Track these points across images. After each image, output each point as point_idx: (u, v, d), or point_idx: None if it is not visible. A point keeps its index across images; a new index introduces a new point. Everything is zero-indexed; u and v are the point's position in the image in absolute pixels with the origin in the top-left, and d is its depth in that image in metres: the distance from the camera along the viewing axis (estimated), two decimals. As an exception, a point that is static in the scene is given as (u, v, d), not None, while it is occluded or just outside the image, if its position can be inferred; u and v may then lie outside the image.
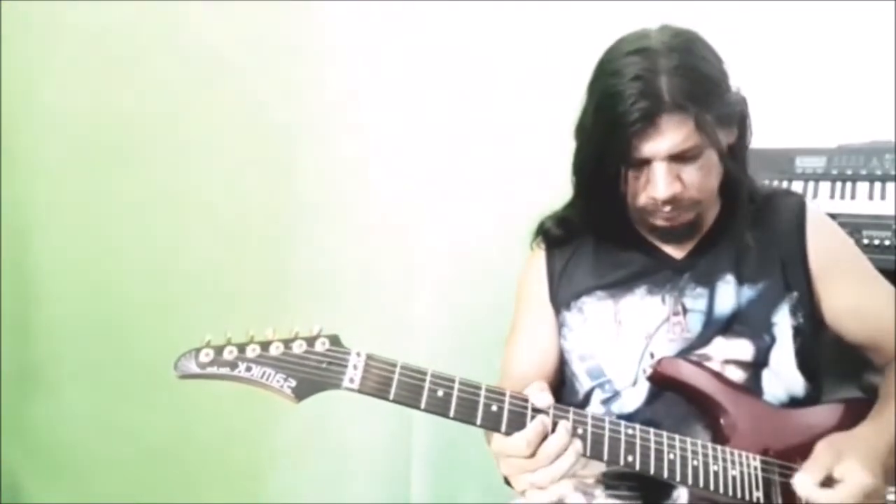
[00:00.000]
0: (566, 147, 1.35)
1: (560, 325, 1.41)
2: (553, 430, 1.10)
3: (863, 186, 1.88)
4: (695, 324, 1.35)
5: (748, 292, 1.36)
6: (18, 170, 1.87)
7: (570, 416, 1.15)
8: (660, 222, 1.32)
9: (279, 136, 1.96)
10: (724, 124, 1.28)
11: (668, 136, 1.22)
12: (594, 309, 1.38)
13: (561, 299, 1.41)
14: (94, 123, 1.87)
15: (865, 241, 1.71)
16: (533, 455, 1.08)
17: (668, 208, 1.28)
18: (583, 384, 1.39)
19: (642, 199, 1.29)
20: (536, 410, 1.11)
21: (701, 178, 1.27)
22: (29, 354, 1.95)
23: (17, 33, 1.82)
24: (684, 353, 1.34)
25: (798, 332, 1.35)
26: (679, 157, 1.24)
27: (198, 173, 1.92)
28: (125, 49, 1.86)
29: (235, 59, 1.90)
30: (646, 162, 1.25)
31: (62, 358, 1.95)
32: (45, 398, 1.97)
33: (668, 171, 1.24)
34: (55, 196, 1.89)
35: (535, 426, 1.09)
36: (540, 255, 1.46)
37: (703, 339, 1.34)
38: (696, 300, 1.36)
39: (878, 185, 1.87)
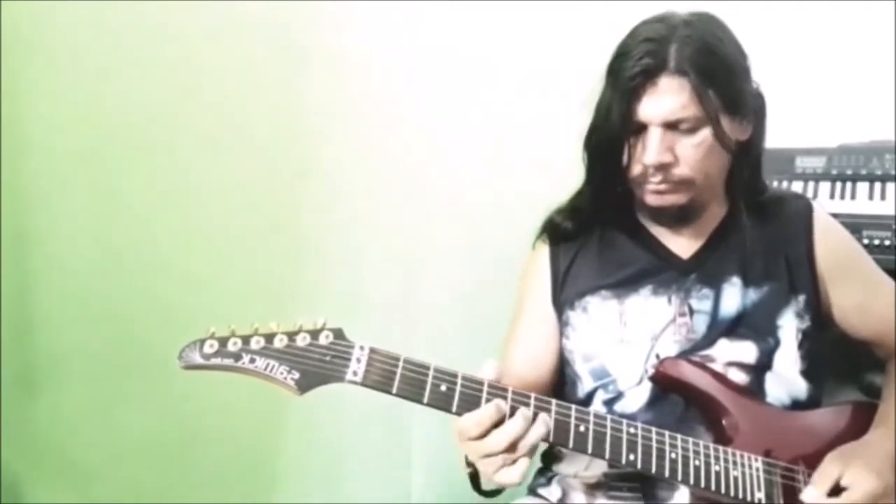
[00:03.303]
0: (575, 142, 1.36)
1: (563, 325, 1.40)
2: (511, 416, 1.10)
3: (863, 186, 1.88)
4: (700, 325, 1.35)
5: (753, 295, 1.36)
6: (19, 169, 1.86)
7: (572, 412, 1.15)
8: (649, 197, 1.32)
9: (283, 132, 1.95)
10: (733, 112, 1.29)
11: (666, 99, 1.24)
12: (598, 309, 1.38)
13: (564, 299, 1.41)
14: (94, 122, 1.87)
15: (865, 241, 1.71)
16: (483, 437, 1.08)
17: (657, 178, 1.29)
18: (585, 384, 1.38)
19: (636, 168, 1.30)
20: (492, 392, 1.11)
21: (696, 156, 1.27)
22: (29, 354, 1.94)
23: (17, 33, 1.81)
24: (687, 355, 1.33)
25: (805, 335, 1.36)
26: (675, 127, 1.26)
27: (199, 171, 1.92)
28: (127, 47, 1.85)
29: (241, 56, 1.89)
30: (643, 128, 1.27)
31: (62, 358, 1.95)
32: (46, 398, 1.96)
33: (662, 139, 1.25)
34: (56, 195, 1.89)
35: (488, 408, 1.09)
36: (543, 252, 1.45)
37: (708, 340, 1.34)
38: (701, 301, 1.36)
39: (878, 185, 1.87)
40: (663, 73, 1.24)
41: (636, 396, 1.34)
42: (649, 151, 1.26)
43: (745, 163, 1.36)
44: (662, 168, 1.27)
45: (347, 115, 1.98)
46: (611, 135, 1.29)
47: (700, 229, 1.40)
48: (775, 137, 1.70)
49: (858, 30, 2.03)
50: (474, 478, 1.21)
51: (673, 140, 1.26)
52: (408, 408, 1.95)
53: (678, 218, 1.37)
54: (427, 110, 2.02)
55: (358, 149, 2.00)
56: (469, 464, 1.19)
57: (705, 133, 1.26)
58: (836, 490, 1.23)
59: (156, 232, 1.93)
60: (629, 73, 1.25)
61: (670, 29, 1.26)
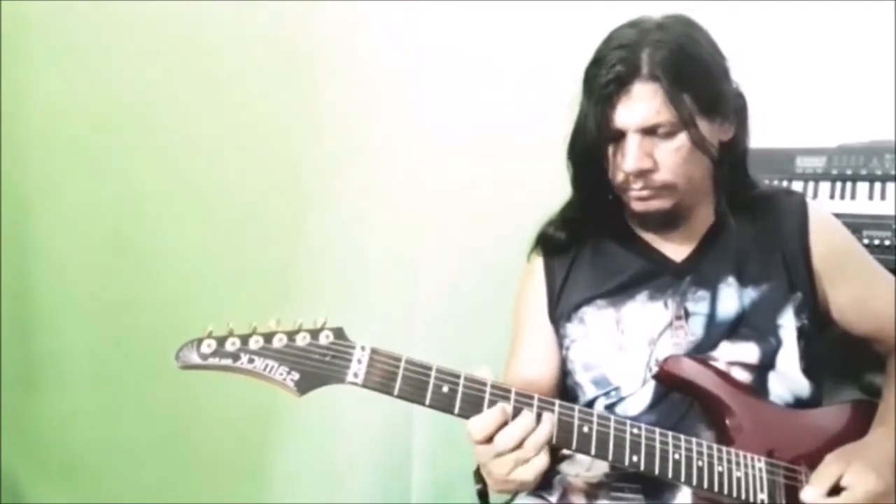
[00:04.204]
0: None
1: (562, 338, 1.40)
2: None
3: (863, 186, 1.88)
4: (697, 327, 1.34)
5: (752, 294, 1.35)
6: (18, 168, 1.87)
7: (576, 413, 1.15)
8: (634, 204, 1.32)
9: (283, 129, 1.96)
10: (712, 114, 1.28)
11: (640, 106, 1.24)
12: (595, 318, 1.37)
13: (561, 313, 1.40)
14: (94, 120, 1.87)
15: (865, 241, 1.71)
16: (488, 441, 1.08)
17: (638, 185, 1.28)
18: (587, 393, 1.38)
19: (619, 176, 1.29)
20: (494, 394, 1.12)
21: (676, 161, 1.27)
22: (29, 354, 1.95)
23: (17, 32, 1.81)
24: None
25: (802, 332, 1.35)
26: (652, 132, 1.25)
27: (199, 172, 1.92)
28: (126, 45, 1.85)
29: (238, 54, 1.89)
30: (622, 135, 1.26)
31: (62, 357, 1.95)
32: (46, 397, 1.97)
33: (640, 145, 1.25)
34: (56, 195, 1.89)
35: (492, 412, 1.09)
36: (538, 265, 1.45)
37: (709, 343, 1.33)
38: (697, 303, 1.35)
39: (878, 185, 1.87)
40: (636, 79, 1.23)
41: (637, 400, 1.34)
42: (628, 158, 1.26)
43: (728, 163, 1.35)
44: (642, 174, 1.27)
45: (348, 115, 1.98)
46: (590, 143, 1.29)
47: (691, 232, 1.39)
48: (775, 137, 1.70)
49: (858, 30, 2.02)
50: (482, 495, 1.21)
51: (651, 146, 1.26)
52: (408, 408, 1.97)
53: (665, 223, 1.37)
54: (428, 110, 2.02)
55: (358, 148, 2.00)
56: (478, 480, 1.19)
57: (683, 137, 1.25)
58: (836, 491, 1.23)
59: (156, 232, 1.93)
60: (602, 80, 1.24)
61: (642, 34, 1.25)
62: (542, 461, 1.10)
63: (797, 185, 1.91)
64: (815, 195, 1.88)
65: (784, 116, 1.90)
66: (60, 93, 1.86)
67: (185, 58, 1.89)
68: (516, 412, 1.11)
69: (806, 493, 1.23)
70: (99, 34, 1.86)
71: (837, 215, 1.48)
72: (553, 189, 1.44)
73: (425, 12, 1.98)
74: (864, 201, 1.86)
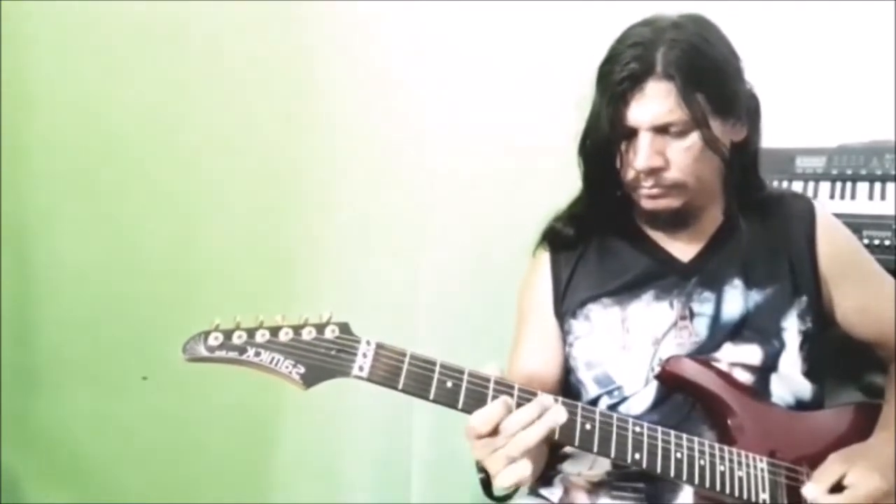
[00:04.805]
0: (574, 145, 1.35)
1: (566, 334, 1.40)
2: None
3: (863, 186, 1.88)
4: (701, 328, 1.34)
5: (756, 296, 1.35)
6: (19, 168, 1.86)
7: (578, 410, 1.15)
8: (644, 202, 1.32)
9: (284, 130, 1.95)
10: (725, 114, 1.28)
11: (653, 104, 1.24)
12: (601, 316, 1.37)
13: (566, 308, 1.40)
14: (94, 121, 1.87)
15: (865, 241, 1.71)
16: (489, 435, 1.08)
17: (649, 183, 1.28)
18: (589, 392, 1.37)
19: (629, 173, 1.30)
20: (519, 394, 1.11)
21: (687, 160, 1.27)
22: (29, 354, 1.94)
23: (17, 33, 1.81)
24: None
25: (806, 336, 1.35)
26: (664, 131, 1.25)
27: (200, 170, 1.92)
28: (127, 46, 1.85)
29: (239, 55, 1.89)
30: (634, 133, 1.26)
31: (62, 358, 1.94)
32: (45, 398, 1.96)
33: (652, 143, 1.25)
34: (56, 195, 1.89)
35: (495, 405, 1.08)
36: (544, 260, 1.45)
37: (712, 344, 1.33)
38: (702, 304, 1.35)
39: (878, 185, 1.87)
40: (650, 77, 1.24)
41: (639, 400, 1.34)
42: (639, 156, 1.26)
43: (739, 163, 1.35)
44: (653, 172, 1.27)
45: (348, 115, 1.98)
46: (602, 140, 1.29)
47: (699, 232, 1.39)
48: (775, 137, 1.70)
49: (858, 30, 2.02)
50: (486, 484, 1.21)
51: (663, 144, 1.26)
52: (408, 407, 1.97)
53: (674, 222, 1.37)
54: (428, 110, 2.02)
55: (359, 148, 2.00)
56: (481, 469, 1.19)
57: (695, 136, 1.26)
58: (838, 490, 1.23)
59: (156, 231, 1.92)
60: (616, 77, 1.25)
61: (657, 32, 1.26)
62: (527, 465, 1.08)
63: (797, 185, 1.91)
64: (815, 195, 1.89)
65: (784, 116, 1.90)
66: (61, 93, 1.86)
67: (185, 58, 1.89)
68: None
69: (808, 489, 1.23)
70: (99, 34, 1.86)
71: (837, 215, 1.48)
72: (553, 189, 1.44)
73: (425, 12, 1.98)
74: (864, 201, 1.86)
